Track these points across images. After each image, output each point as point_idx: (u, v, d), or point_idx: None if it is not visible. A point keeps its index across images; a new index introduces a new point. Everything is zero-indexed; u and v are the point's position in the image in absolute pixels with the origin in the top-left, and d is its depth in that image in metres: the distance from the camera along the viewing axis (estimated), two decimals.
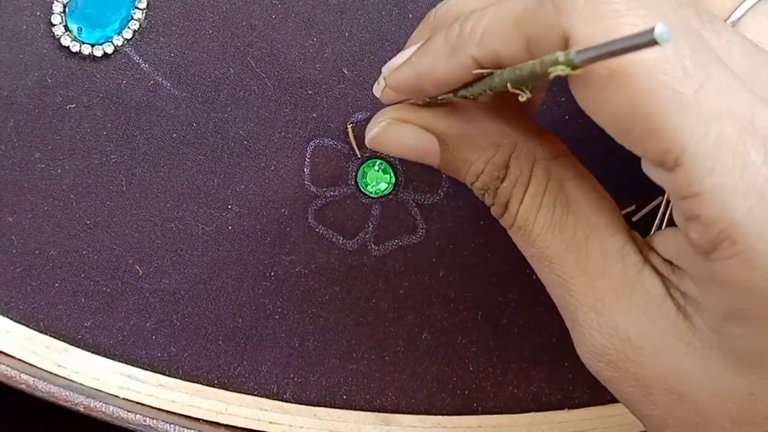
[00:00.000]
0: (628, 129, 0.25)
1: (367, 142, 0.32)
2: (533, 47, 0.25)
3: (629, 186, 0.38)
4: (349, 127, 0.37)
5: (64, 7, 0.37)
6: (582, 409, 0.39)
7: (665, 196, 0.38)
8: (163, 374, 0.38)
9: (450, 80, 0.28)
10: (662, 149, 0.24)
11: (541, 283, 0.38)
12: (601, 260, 0.29)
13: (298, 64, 0.37)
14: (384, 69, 0.31)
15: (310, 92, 0.37)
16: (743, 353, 0.27)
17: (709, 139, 0.24)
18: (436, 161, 0.31)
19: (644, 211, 0.38)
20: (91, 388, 0.37)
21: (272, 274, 0.38)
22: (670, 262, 0.28)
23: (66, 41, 0.37)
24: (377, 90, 0.31)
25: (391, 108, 0.31)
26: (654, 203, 0.38)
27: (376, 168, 0.37)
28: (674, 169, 0.25)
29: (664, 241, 0.28)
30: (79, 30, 0.37)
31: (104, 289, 0.38)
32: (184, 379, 0.38)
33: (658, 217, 0.38)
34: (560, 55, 0.23)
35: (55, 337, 0.38)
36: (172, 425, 0.37)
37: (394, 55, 0.37)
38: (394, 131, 0.31)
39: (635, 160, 0.38)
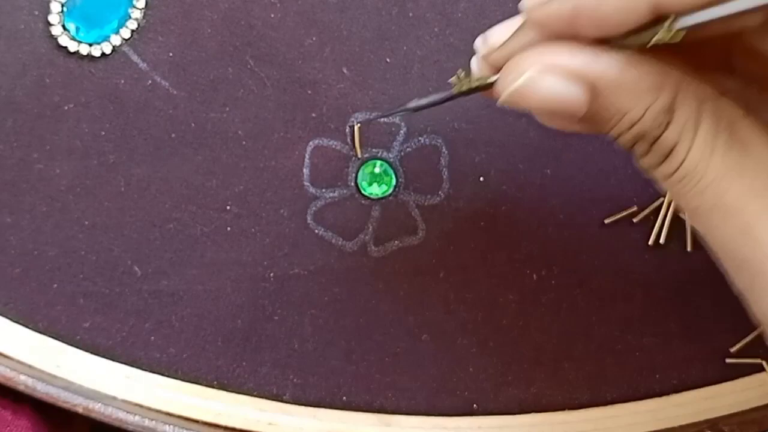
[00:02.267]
0: None
1: (504, 97, 0.27)
2: None
3: (630, 186, 0.38)
4: (352, 126, 0.37)
5: (62, 6, 0.36)
6: (582, 410, 0.38)
7: (666, 198, 0.38)
8: (163, 375, 0.38)
9: (617, 22, 0.25)
10: None
11: (541, 284, 0.38)
12: None
13: (297, 63, 0.37)
14: (528, 2, 0.26)
15: (310, 92, 0.37)
16: None
17: None
18: (582, 112, 0.27)
19: (645, 212, 0.38)
20: (90, 389, 0.37)
21: (271, 275, 0.38)
22: None
23: (64, 41, 0.36)
24: (482, 48, 0.28)
25: (533, 53, 0.26)
26: (655, 204, 0.38)
27: (377, 169, 0.37)
28: None
29: None
30: (77, 29, 0.37)
31: (103, 290, 0.38)
32: (183, 380, 0.38)
33: (659, 219, 0.38)
34: None
35: (53, 338, 0.38)
36: (171, 426, 0.37)
37: (394, 55, 0.37)
38: (543, 82, 0.26)
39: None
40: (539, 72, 0.26)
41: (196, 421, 0.38)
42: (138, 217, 0.38)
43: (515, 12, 0.37)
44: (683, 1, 0.23)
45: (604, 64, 0.26)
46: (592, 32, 0.25)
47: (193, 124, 0.37)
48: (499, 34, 0.28)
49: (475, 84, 0.29)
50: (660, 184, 0.28)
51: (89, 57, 0.37)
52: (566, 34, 0.26)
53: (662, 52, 0.26)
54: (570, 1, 0.25)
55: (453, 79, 0.30)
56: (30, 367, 0.37)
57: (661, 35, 0.24)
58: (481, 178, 0.37)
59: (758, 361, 0.38)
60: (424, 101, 0.33)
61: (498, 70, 0.28)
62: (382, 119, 0.37)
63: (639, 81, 0.26)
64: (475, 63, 0.29)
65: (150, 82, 0.37)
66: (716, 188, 0.26)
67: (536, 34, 0.27)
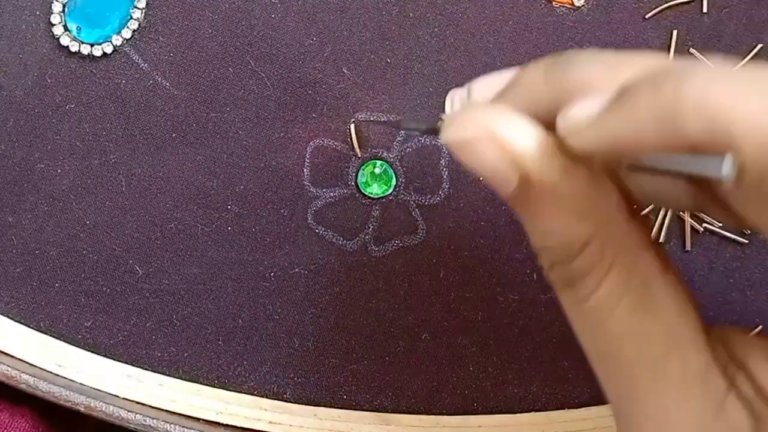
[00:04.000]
0: None
1: (445, 138, 0.26)
2: None
3: None
4: (352, 126, 0.37)
5: (64, 6, 0.37)
6: (582, 409, 0.39)
7: None
8: (163, 374, 0.38)
9: (655, 154, 0.23)
10: None
11: (541, 284, 0.38)
12: (679, 383, 0.24)
13: (297, 63, 0.37)
14: (563, 121, 0.24)
15: (310, 92, 0.37)
16: None
17: None
18: (507, 193, 0.25)
19: (644, 211, 0.38)
20: (91, 387, 0.37)
21: (272, 274, 0.38)
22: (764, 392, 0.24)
23: (65, 41, 0.36)
24: (453, 105, 0.27)
25: (492, 117, 0.25)
26: (653, 204, 0.38)
27: (377, 169, 0.37)
28: None
29: (763, 363, 0.24)
30: (79, 29, 0.37)
31: (104, 289, 0.38)
32: (184, 379, 0.38)
33: (658, 218, 0.38)
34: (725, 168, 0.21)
35: (55, 337, 0.38)
36: (172, 425, 0.37)
37: (394, 55, 0.37)
38: (483, 148, 0.25)
39: None
40: (486, 139, 0.24)
41: (197, 420, 0.38)
42: (139, 216, 0.38)
43: (515, 12, 0.37)
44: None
45: (548, 163, 0.24)
46: (635, 161, 0.24)
47: (194, 124, 0.37)
48: (482, 90, 0.27)
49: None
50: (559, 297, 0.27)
51: (90, 57, 0.37)
52: (607, 156, 0.24)
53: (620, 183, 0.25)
54: (603, 135, 0.23)
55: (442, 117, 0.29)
56: (32, 366, 0.37)
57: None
58: (481, 178, 0.37)
59: None
60: (414, 125, 0.33)
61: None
62: (382, 119, 0.37)
63: (570, 198, 0.24)
64: (449, 105, 0.28)
65: (151, 81, 0.37)
66: (612, 344, 0.25)
67: (527, 105, 0.25)
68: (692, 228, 0.38)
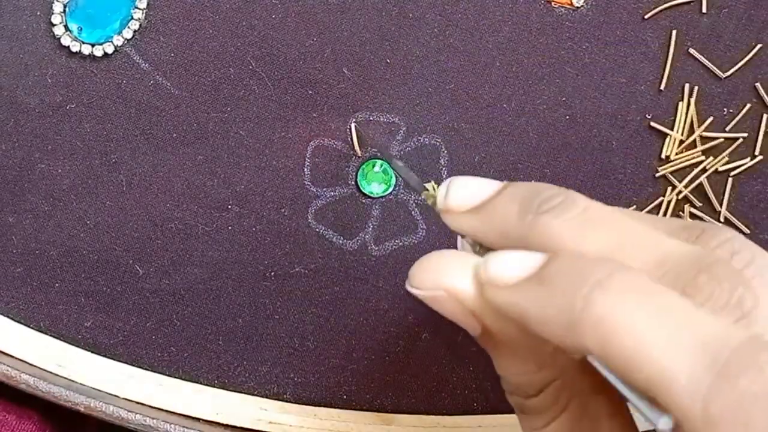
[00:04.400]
0: None
1: (409, 288, 0.27)
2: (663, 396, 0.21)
3: (629, 185, 0.38)
4: (352, 126, 0.37)
5: (65, 6, 0.37)
6: None
7: (666, 197, 0.38)
8: (163, 374, 0.38)
9: (557, 343, 0.24)
10: None
11: None
12: None
13: (298, 63, 0.37)
14: (484, 272, 0.25)
15: (310, 92, 0.37)
16: None
17: None
18: (473, 335, 0.27)
19: (644, 211, 0.38)
20: (91, 387, 0.37)
21: (272, 274, 0.38)
22: None
23: (66, 41, 0.37)
24: (439, 199, 0.28)
25: (450, 273, 0.26)
26: (654, 203, 0.38)
27: (377, 169, 0.37)
28: None
29: None
30: (80, 30, 0.37)
31: (104, 289, 0.38)
32: (184, 379, 0.38)
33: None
34: (662, 425, 0.21)
35: (55, 337, 0.38)
36: (172, 425, 0.37)
37: (394, 55, 0.37)
38: (446, 303, 0.26)
39: (634, 160, 0.38)
40: (449, 296, 0.26)
41: (197, 420, 0.38)
42: (139, 216, 0.38)
43: (515, 12, 0.37)
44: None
45: (508, 323, 0.25)
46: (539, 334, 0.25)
47: (194, 124, 0.37)
48: (460, 197, 0.28)
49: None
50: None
51: (91, 57, 0.37)
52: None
53: None
54: (519, 307, 0.24)
55: (428, 186, 0.29)
56: (32, 366, 0.37)
57: None
58: None
59: None
60: (403, 171, 0.34)
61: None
62: (382, 119, 0.37)
63: (529, 350, 0.26)
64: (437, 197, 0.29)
65: (152, 82, 0.37)
66: None
67: (495, 234, 0.26)
68: None
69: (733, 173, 0.38)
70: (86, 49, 0.37)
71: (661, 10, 0.37)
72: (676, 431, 0.22)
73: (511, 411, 0.38)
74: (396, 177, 0.37)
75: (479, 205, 0.27)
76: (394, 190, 0.38)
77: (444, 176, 0.38)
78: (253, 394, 0.38)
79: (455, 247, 0.38)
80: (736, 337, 0.21)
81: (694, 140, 0.38)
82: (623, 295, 0.22)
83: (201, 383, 0.38)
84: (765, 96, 0.37)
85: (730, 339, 0.21)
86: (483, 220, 0.27)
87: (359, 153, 0.37)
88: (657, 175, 0.38)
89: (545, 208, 0.25)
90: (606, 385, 0.25)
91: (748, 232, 0.38)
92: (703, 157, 0.38)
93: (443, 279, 0.26)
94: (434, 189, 0.29)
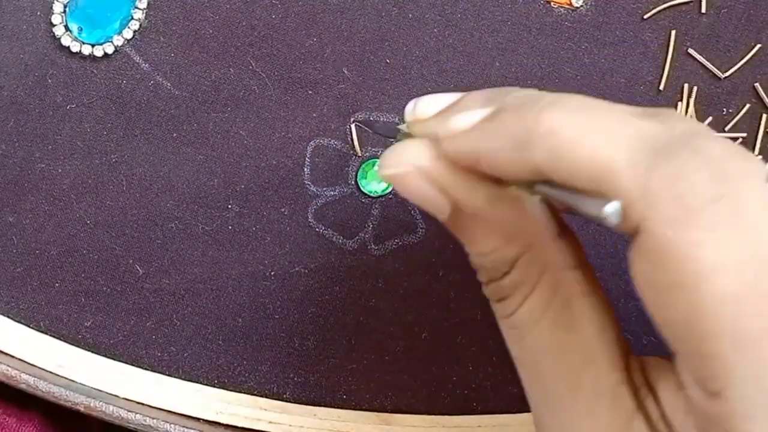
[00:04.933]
0: (680, 339, 0.23)
1: (380, 173, 0.29)
2: (601, 187, 0.23)
3: None
4: (352, 125, 0.37)
5: (65, 7, 0.37)
6: None
7: None
8: (163, 374, 0.38)
9: (510, 175, 0.25)
10: (708, 375, 0.22)
11: None
12: (592, 395, 0.26)
13: (298, 64, 0.37)
14: (443, 125, 0.27)
15: (310, 92, 0.37)
16: None
17: (762, 387, 0.22)
18: (443, 219, 0.28)
19: None
20: (91, 387, 0.37)
21: (272, 273, 0.38)
22: (664, 418, 0.25)
23: (66, 41, 0.37)
24: (407, 113, 0.29)
25: (416, 153, 0.27)
26: None
27: (377, 168, 0.37)
28: (712, 396, 0.23)
29: (668, 391, 0.26)
30: (80, 30, 0.37)
31: (104, 288, 0.38)
32: (184, 379, 0.38)
33: None
34: (608, 211, 0.22)
35: (55, 337, 0.38)
36: (172, 425, 0.37)
37: (394, 55, 0.37)
38: (413, 181, 0.27)
39: None
40: (415, 170, 0.27)
41: (197, 420, 0.38)
42: (140, 216, 0.38)
43: (514, 12, 0.37)
44: (553, 173, 0.24)
45: (474, 193, 0.27)
46: (491, 173, 0.26)
47: (194, 124, 0.37)
48: (427, 106, 0.29)
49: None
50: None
51: (91, 57, 0.37)
52: (474, 168, 0.26)
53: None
54: (474, 146, 0.26)
55: (402, 127, 0.31)
56: (32, 366, 0.37)
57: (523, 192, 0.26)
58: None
59: None
60: (382, 130, 0.35)
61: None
62: (382, 119, 0.37)
63: (497, 222, 0.27)
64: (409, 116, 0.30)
65: (152, 82, 0.37)
66: (532, 354, 0.27)
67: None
68: None
69: None
70: (86, 50, 0.37)
71: (660, 10, 0.37)
72: (622, 226, 0.23)
73: (510, 410, 0.38)
74: None
75: (445, 108, 0.28)
76: (393, 189, 0.38)
77: None
78: (253, 394, 0.38)
79: (455, 246, 0.38)
80: (673, 130, 0.23)
81: None
82: (570, 109, 0.24)
83: (201, 383, 0.38)
84: (764, 96, 0.37)
85: (666, 132, 0.23)
86: (450, 117, 0.27)
87: (359, 152, 0.38)
88: None
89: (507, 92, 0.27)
90: (578, 260, 0.27)
91: None
92: None
93: (411, 157, 0.27)
94: (402, 129, 0.30)
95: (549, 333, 0.27)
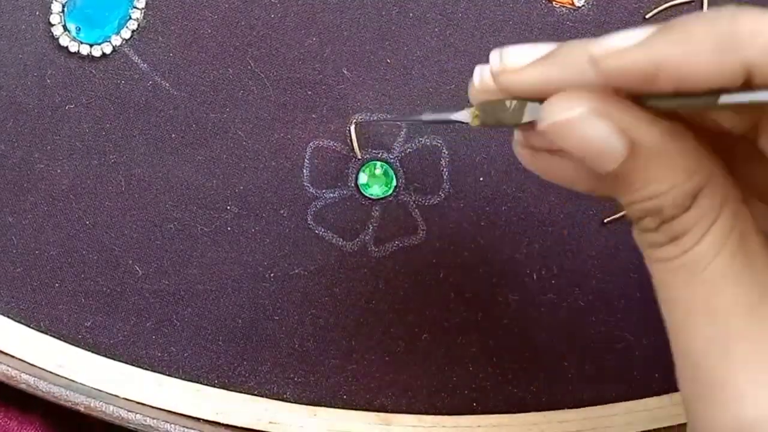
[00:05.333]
0: None
1: (544, 126, 0.26)
2: None
3: None
4: (352, 126, 0.37)
5: (63, 6, 0.37)
6: (582, 409, 0.39)
7: None
8: (163, 374, 0.38)
9: (704, 80, 0.23)
10: None
11: (541, 284, 0.38)
12: None
13: (297, 64, 0.37)
14: (597, 48, 0.25)
15: (310, 92, 0.37)
16: None
17: None
18: (612, 167, 0.26)
19: None
20: (91, 387, 0.37)
21: (271, 275, 0.38)
22: None
23: (65, 41, 0.36)
24: (494, 64, 0.27)
25: (585, 93, 0.25)
26: None
27: (377, 170, 0.37)
28: None
29: None
30: (78, 30, 0.37)
31: (104, 289, 0.38)
32: (184, 379, 0.38)
33: None
34: None
35: (55, 337, 0.38)
36: (172, 425, 0.37)
37: (394, 55, 0.37)
38: (589, 125, 0.25)
39: None
40: (592, 112, 0.25)
41: (197, 420, 0.38)
42: (139, 216, 0.38)
43: (515, 12, 0.37)
44: None
45: (652, 128, 0.25)
46: (670, 89, 0.24)
47: (193, 125, 0.37)
48: (518, 56, 0.27)
49: (508, 115, 0.28)
50: (651, 261, 0.27)
51: (90, 57, 0.37)
52: (643, 87, 0.24)
53: (699, 136, 0.26)
54: (651, 54, 0.24)
55: (471, 111, 0.29)
56: (32, 366, 0.37)
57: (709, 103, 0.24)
58: (481, 178, 0.37)
59: None
60: (434, 116, 0.32)
61: (507, 94, 0.27)
62: (390, 119, 0.37)
63: (678, 156, 0.25)
64: (478, 76, 0.28)
65: (150, 82, 0.37)
66: (711, 288, 0.26)
67: (574, 74, 0.26)
68: None
69: None
70: (85, 49, 0.37)
71: (661, 10, 0.37)
72: None
73: (510, 411, 0.38)
74: (396, 178, 0.37)
75: (544, 56, 0.27)
76: (394, 190, 0.38)
77: (445, 177, 0.38)
78: (253, 394, 0.38)
79: (455, 246, 0.38)
80: None
81: None
82: (760, 12, 0.23)
83: (201, 383, 0.38)
84: None
85: None
86: (551, 66, 0.26)
87: (359, 154, 0.37)
88: None
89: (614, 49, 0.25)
90: (742, 194, 0.26)
91: None
92: None
93: (581, 99, 0.25)
94: (474, 111, 0.28)
95: (729, 265, 0.26)
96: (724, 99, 0.24)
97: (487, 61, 0.37)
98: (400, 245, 0.38)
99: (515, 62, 0.27)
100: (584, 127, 0.25)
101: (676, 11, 0.37)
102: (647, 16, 0.37)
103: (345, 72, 0.37)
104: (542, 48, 0.27)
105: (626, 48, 0.24)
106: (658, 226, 0.26)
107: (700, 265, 0.26)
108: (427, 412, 0.39)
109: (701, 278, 0.26)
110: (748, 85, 0.23)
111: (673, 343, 0.27)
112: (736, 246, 0.26)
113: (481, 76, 0.28)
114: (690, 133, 0.26)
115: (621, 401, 0.38)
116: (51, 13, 0.37)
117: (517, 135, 0.29)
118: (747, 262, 0.26)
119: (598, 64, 0.25)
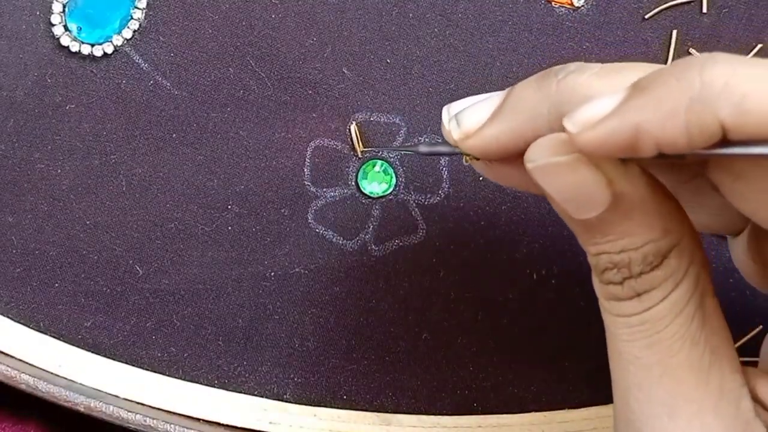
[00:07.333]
0: None
1: (530, 167, 0.26)
2: None
3: None
4: (353, 126, 0.37)
5: (64, 6, 0.37)
6: (582, 409, 0.39)
7: None
8: (163, 374, 0.38)
9: (685, 143, 0.22)
10: None
11: (541, 284, 0.38)
12: (717, 395, 0.26)
13: (298, 63, 0.37)
14: (570, 125, 0.24)
15: (310, 92, 0.37)
16: None
17: None
18: (593, 215, 0.25)
19: None
20: (91, 387, 0.37)
21: (272, 274, 0.38)
22: None
23: (66, 41, 0.37)
24: (454, 133, 0.27)
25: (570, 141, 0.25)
26: None
27: (377, 169, 0.37)
28: None
29: None
30: (79, 30, 0.37)
31: (104, 289, 0.38)
32: (184, 379, 0.38)
33: None
34: None
35: (55, 337, 0.38)
36: (172, 425, 0.37)
37: (394, 55, 0.37)
38: (577, 171, 0.25)
39: None
40: (580, 159, 0.25)
41: (197, 420, 0.38)
42: (139, 216, 0.38)
43: (515, 12, 0.37)
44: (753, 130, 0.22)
45: (638, 180, 0.25)
46: (653, 153, 0.23)
47: (194, 124, 0.37)
48: (471, 116, 0.27)
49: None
50: (608, 314, 0.27)
51: (91, 57, 0.37)
52: (628, 153, 0.24)
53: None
54: (626, 122, 0.23)
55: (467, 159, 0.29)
56: (32, 366, 0.37)
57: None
58: (481, 178, 0.37)
59: (757, 359, 0.38)
60: (432, 149, 0.31)
61: (478, 155, 0.27)
62: (382, 119, 0.37)
63: (657, 212, 0.25)
64: (448, 136, 0.28)
65: (151, 82, 0.37)
66: (666, 350, 0.26)
67: (532, 121, 0.26)
68: None
69: None
70: (86, 49, 0.37)
71: (661, 10, 0.37)
72: None
73: (511, 411, 0.38)
74: (396, 177, 0.37)
75: (498, 109, 0.27)
76: (394, 190, 0.38)
77: (444, 176, 0.38)
78: (253, 394, 0.38)
79: (456, 246, 0.38)
80: None
81: None
82: (730, 60, 0.22)
83: (201, 383, 0.38)
84: None
85: None
86: (506, 119, 0.26)
87: (359, 153, 0.37)
88: None
89: (564, 74, 0.25)
90: (706, 258, 0.26)
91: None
92: None
93: (571, 146, 0.25)
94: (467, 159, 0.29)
95: (687, 327, 0.26)
96: (711, 152, 0.23)
97: (486, 60, 0.37)
98: (401, 244, 0.38)
99: (471, 125, 0.27)
100: (571, 173, 0.25)
101: (675, 11, 0.37)
102: (646, 17, 0.37)
103: (345, 71, 0.37)
104: (492, 99, 0.27)
105: (600, 120, 0.23)
106: (623, 280, 0.26)
107: (660, 324, 0.26)
108: (427, 412, 0.39)
109: (659, 337, 0.26)
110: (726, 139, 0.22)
111: (617, 397, 0.27)
112: (696, 308, 0.26)
113: (448, 135, 0.28)
114: (668, 190, 0.26)
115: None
116: (52, 13, 0.37)
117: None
118: (703, 324, 0.26)
119: (575, 141, 0.24)
